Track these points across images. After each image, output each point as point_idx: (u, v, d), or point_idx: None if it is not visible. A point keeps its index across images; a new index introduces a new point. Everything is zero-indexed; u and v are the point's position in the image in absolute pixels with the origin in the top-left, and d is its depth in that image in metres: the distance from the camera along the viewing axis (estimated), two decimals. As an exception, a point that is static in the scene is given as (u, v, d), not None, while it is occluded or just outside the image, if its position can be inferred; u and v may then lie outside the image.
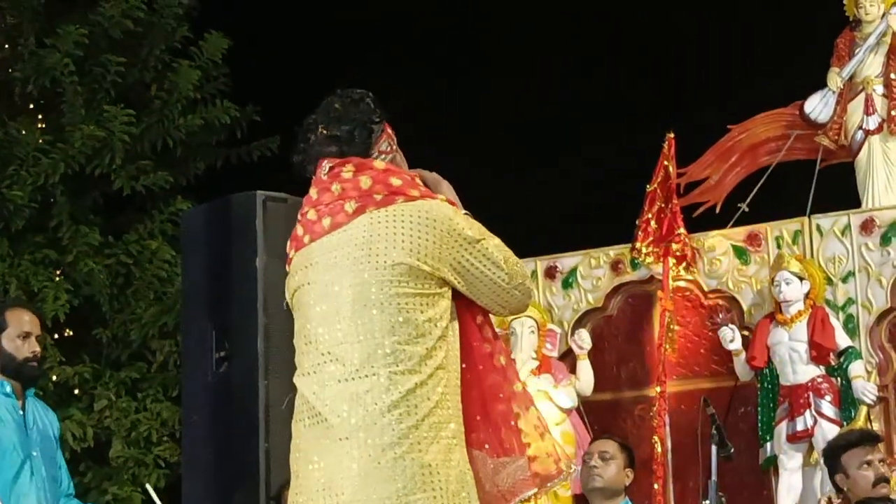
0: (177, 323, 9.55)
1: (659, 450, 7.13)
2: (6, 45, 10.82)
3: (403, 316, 3.09)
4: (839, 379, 6.96)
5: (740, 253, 7.48)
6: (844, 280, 7.19)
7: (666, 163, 7.46)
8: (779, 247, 7.35)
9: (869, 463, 5.13)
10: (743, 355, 7.18)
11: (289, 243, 3.36)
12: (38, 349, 5.19)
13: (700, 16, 11.71)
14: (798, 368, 6.96)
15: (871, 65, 7.72)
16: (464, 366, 3.22)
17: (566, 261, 7.95)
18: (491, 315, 3.32)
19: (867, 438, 5.32)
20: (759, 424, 7.15)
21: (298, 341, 3.28)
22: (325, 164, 3.27)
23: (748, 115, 8.15)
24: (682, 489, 7.38)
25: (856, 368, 6.90)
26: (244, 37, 11.23)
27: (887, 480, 5.15)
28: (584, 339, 7.57)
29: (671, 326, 7.34)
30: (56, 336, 10.38)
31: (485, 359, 3.26)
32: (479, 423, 3.23)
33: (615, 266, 7.80)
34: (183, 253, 6.51)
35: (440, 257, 3.14)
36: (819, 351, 6.91)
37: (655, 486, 7.07)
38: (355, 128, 3.27)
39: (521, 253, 3.50)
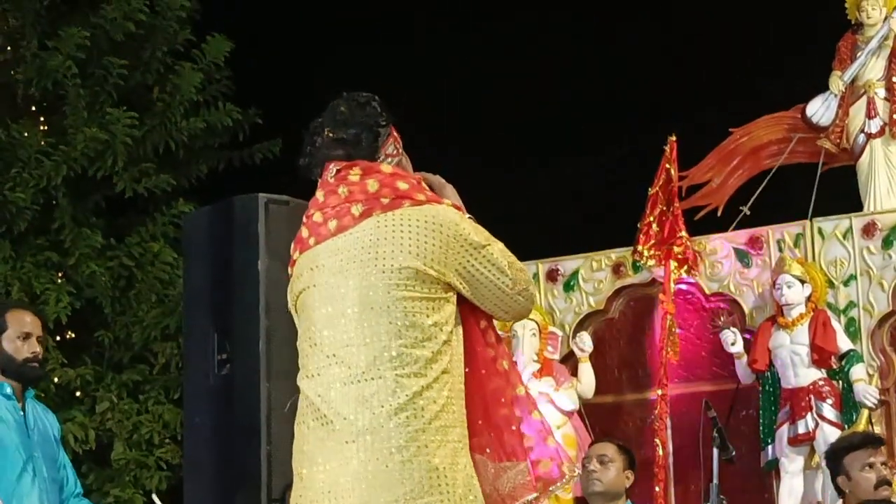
0: (179, 325, 9.55)
1: (660, 452, 7.13)
2: (8, 48, 10.83)
3: (410, 320, 3.09)
4: (840, 382, 6.95)
5: (742, 256, 7.48)
6: (846, 283, 7.19)
7: (668, 166, 7.47)
8: (780, 250, 7.35)
9: (871, 465, 5.14)
10: (744, 358, 7.18)
11: (293, 245, 3.36)
12: (38, 350, 5.18)
13: (702, 18, 11.71)
14: (799, 371, 6.96)
15: (872, 68, 7.72)
16: (467, 370, 3.22)
17: (568, 263, 7.95)
18: (494, 320, 3.32)
19: (870, 441, 5.32)
20: (761, 427, 7.15)
21: (302, 343, 3.28)
22: (332, 167, 3.27)
23: (750, 118, 8.15)
24: (683, 492, 7.38)
25: (857, 372, 6.90)
26: (246, 39, 11.23)
27: (889, 483, 5.16)
28: (585, 342, 7.57)
29: (672, 329, 7.34)
30: (58, 338, 10.38)
31: (488, 363, 3.27)
32: (480, 427, 3.23)
33: (617, 269, 7.80)
34: (185, 255, 6.51)
35: (446, 262, 3.15)
36: (820, 354, 6.91)
37: (657, 488, 7.07)
38: (362, 131, 3.28)
39: (523, 256, 3.51)
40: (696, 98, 11.20)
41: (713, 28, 11.72)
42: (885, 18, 7.72)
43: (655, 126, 7.86)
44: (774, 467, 7.09)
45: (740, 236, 7.54)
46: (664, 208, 7.43)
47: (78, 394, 10.25)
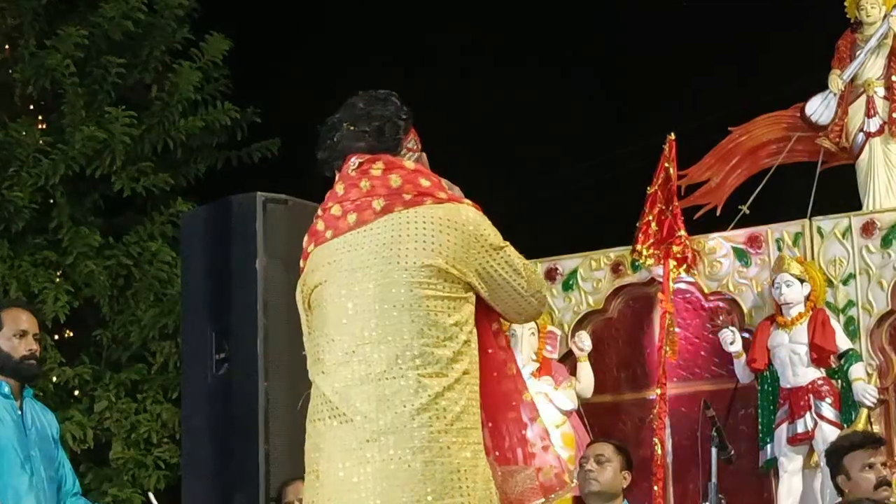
0: (177, 324, 9.55)
1: (659, 452, 7.12)
2: (7, 47, 10.83)
3: (431, 318, 3.07)
4: (840, 381, 6.95)
5: (741, 255, 7.47)
6: (845, 282, 7.18)
7: (667, 165, 7.46)
8: (779, 249, 7.35)
9: (871, 466, 5.12)
10: (743, 357, 7.17)
11: (306, 238, 3.29)
12: (35, 347, 5.17)
13: (703, 18, 11.71)
14: (798, 371, 6.96)
15: (872, 67, 7.71)
16: (479, 372, 3.20)
17: (566, 263, 7.94)
18: (503, 322, 3.32)
19: (870, 441, 5.31)
20: (760, 427, 7.14)
21: (318, 339, 3.20)
22: (354, 160, 3.24)
23: (749, 116, 8.14)
24: (682, 491, 7.38)
25: (856, 371, 6.89)
26: (244, 38, 11.23)
27: (889, 484, 5.15)
28: (584, 341, 7.56)
29: (671, 328, 7.33)
30: (56, 337, 10.38)
31: (499, 366, 3.26)
32: (489, 430, 3.22)
33: (616, 268, 7.79)
34: (183, 254, 6.51)
35: (467, 261, 3.13)
36: (819, 353, 6.90)
37: (655, 488, 7.06)
38: (384, 124, 3.26)
39: (522, 255, 3.50)
40: (696, 99, 11.21)
41: (713, 28, 11.72)
42: (885, 17, 7.70)
43: (655, 126, 7.85)
44: (773, 467, 7.08)
45: (739, 235, 7.53)
46: (663, 207, 7.42)
47: (76, 393, 10.25)
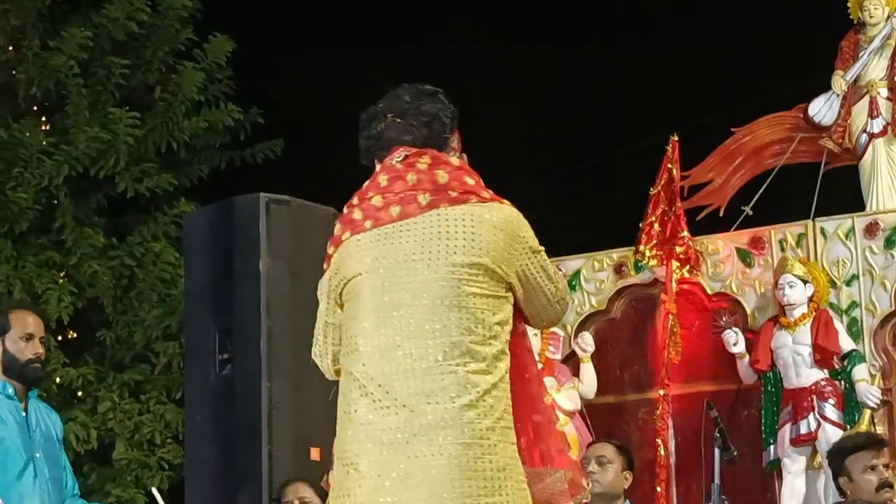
0: (180, 325, 9.55)
1: (662, 453, 7.12)
2: (10, 47, 10.84)
3: (478, 316, 3.06)
4: (843, 382, 6.94)
5: (744, 256, 7.47)
6: (848, 283, 7.18)
7: (670, 165, 7.45)
8: (783, 250, 7.34)
9: (873, 468, 5.12)
10: (746, 358, 7.17)
11: (338, 226, 3.23)
12: (41, 351, 5.18)
13: (705, 18, 11.71)
14: (801, 372, 6.95)
15: (875, 68, 7.71)
16: None
17: (569, 263, 7.94)
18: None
19: (873, 443, 5.31)
20: (763, 427, 7.14)
21: (354, 329, 3.13)
22: (400, 152, 3.22)
23: (752, 117, 8.14)
24: (685, 492, 7.37)
25: (859, 372, 6.89)
26: (248, 39, 11.24)
27: (891, 486, 5.14)
28: (587, 342, 7.56)
29: (674, 329, 7.33)
30: (60, 338, 10.39)
31: (528, 367, 3.26)
32: (518, 430, 3.19)
33: (618, 269, 7.79)
34: (186, 255, 6.53)
35: (510, 262, 3.13)
36: (823, 354, 6.90)
37: (658, 489, 7.07)
38: (433, 120, 3.26)
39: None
40: (699, 99, 11.21)
41: (715, 28, 11.72)
42: (888, 17, 7.70)
43: (658, 127, 7.85)
44: (776, 468, 7.08)
45: (742, 236, 7.53)
46: (666, 208, 7.41)
47: (80, 393, 10.26)
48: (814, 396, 6.88)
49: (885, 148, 7.62)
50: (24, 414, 5.13)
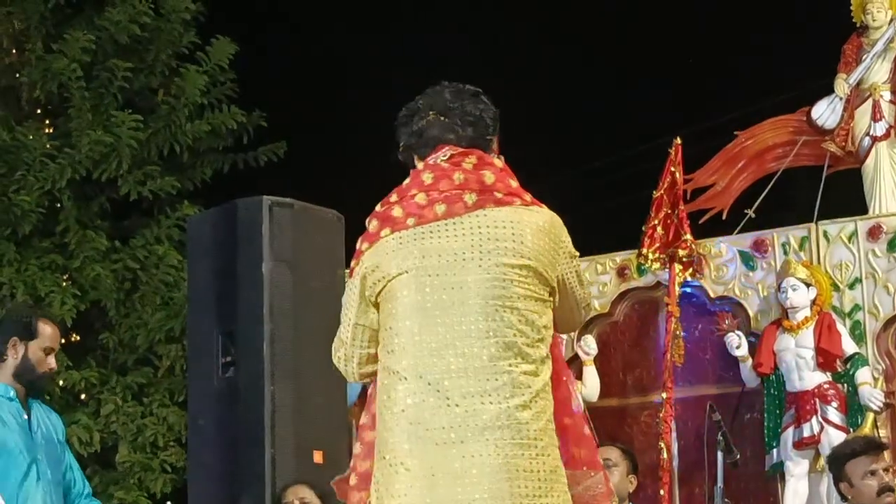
0: (183, 328, 9.55)
1: (665, 456, 7.12)
2: (13, 50, 10.85)
3: (528, 318, 3.06)
4: (846, 385, 6.94)
5: (747, 259, 7.47)
6: (851, 286, 7.18)
7: (672, 168, 7.45)
8: (785, 253, 7.34)
9: (874, 472, 5.10)
10: (749, 361, 7.17)
11: (376, 224, 3.16)
12: (55, 366, 5.27)
13: (707, 21, 11.71)
14: (804, 375, 6.95)
15: (878, 71, 7.72)
16: None
17: (572, 266, 7.93)
18: None
19: (872, 447, 5.29)
20: (766, 431, 7.14)
21: (397, 328, 3.08)
22: (446, 150, 3.20)
23: (755, 120, 8.14)
24: (688, 495, 7.37)
25: (862, 375, 6.89)
26: (250, 42, 11.25)
27: (892, 490, 5.13)
28: (590, 345, 7.57)
29: (677, 332, 7.33)
30: (63, 341, 10.37)
31: (564, 370, 3.26)
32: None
33: (621, 272, 7.79)
34: (189, 258, 6.52)
35: (554, 266, 3.13)
36: (825, 357, 6.90)
37: (661, 492, 7.06)
38: (477, 120, 3.25)
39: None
40: (702, 103, 11.20)
41: (718, 30, 11.72)
42: (891, 21, 7.71)
43: (661, 130, 7.85)
44: (779, 471, 7.08)
45: (745, 239, 7.53)
46: (669, 211, 7.42)
47: (83, 396, 10.26)
48: (817, 400, 6.88)
49: (887, 151, 7.63)
50: (25, 417, 5.14)
